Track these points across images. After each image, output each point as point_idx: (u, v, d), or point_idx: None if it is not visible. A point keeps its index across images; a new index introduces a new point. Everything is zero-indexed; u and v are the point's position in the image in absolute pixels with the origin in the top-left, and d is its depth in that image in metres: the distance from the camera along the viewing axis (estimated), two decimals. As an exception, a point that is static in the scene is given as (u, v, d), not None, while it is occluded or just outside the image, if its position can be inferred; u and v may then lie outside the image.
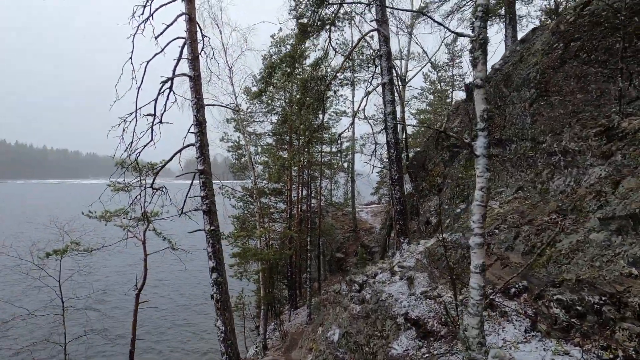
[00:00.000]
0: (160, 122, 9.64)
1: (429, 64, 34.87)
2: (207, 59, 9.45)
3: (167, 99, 9.58)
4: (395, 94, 13.66)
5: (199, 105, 8.56)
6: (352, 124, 13.41)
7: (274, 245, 22.60)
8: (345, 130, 12.18)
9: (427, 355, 6.47)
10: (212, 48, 9.33)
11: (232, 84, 17.47)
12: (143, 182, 9.62)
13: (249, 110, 24.49)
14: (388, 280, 10.86)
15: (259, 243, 19.52)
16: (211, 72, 9.71)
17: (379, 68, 12.51)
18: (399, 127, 18.00)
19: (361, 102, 11.66)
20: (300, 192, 26.09)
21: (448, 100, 35.67)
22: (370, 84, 12.84)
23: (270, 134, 25.02)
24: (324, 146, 27.34)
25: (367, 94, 11.67)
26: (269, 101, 23.26)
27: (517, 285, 6.53)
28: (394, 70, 14.22)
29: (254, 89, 24.42)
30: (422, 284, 9.17)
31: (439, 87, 35.77)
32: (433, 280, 9.15)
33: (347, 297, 11.88)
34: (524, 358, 4.70)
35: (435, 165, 19.70)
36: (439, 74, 35.20)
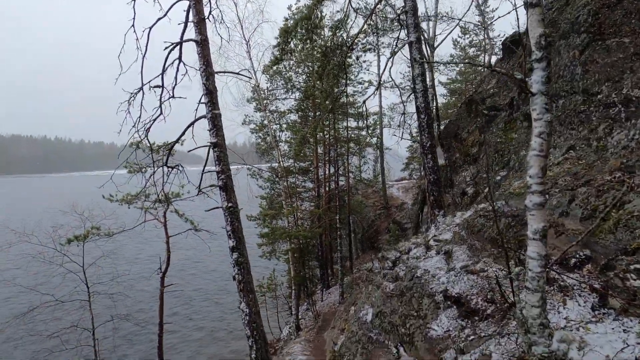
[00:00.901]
0: (172, 96, 9.04)
1: (458, 29, 32.88)
2: (216, 24, 8.72)
3: (177, 70, 8.95)
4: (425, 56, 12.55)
5: (208, 73, 7.89)
6: (379, 88, 12.37)
7: (303, 224, 22.10)
8: (371, 96, 11.25)
9: (472, 337, 5.68)
10: (220, 12, 8.59)
11: (250, 59, 16.77)
12: (157, 161, 9.14)
13: (269, 88, 23.74)
14: (423, 255, 10.06)
15: (287, 222, 19.02)
16: (222, 38, 9.01)
17: (404, 27, 11.40)
18: (429, 95, 16.81)
19: (387, 63, 10.65)
20: (327, 170, 25.35)
21: (480, 69, 33.63)
22: (396, 44, 11.76)
23: (294, 110, 24.22)
24: (350, 121, 26.33)
25: (393, 54, 10.63)
26: (289, 77, 22.40)
27: (577, 255, 5.58)
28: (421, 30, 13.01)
29: (275, 66, 23.60)
30: (461, 258, 8.31)
31: (470, 53, 33.72)
32: (474, 253, 8.26)
33: (380, 275, 11.19)
34: (599, 342, 3.83)
35: (469, 134, 18.43)
36: (470, 38, 33.13)
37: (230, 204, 8.01)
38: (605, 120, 8.04)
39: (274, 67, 15.63)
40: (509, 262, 5.23)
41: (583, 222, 6.32)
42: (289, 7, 19.05)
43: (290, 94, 23.63)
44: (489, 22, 30.58)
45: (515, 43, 13.68)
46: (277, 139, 21.39)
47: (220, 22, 8.67)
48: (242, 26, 16.40)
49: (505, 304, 5.65)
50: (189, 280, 28.55)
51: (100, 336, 11.65)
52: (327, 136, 23.39)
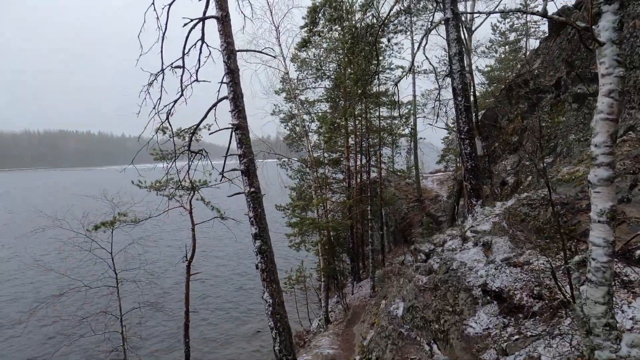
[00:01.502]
0: (197, 80, 8.74)
1: (497, 14, 31.17)
2: (239, 2, 8.32)
3: (200, 52, 8.63)
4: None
5: (229, 51, 7.52)
6: (411, 69, 11.58)
7: (334, 216, 21.63)
8: (403, 77, 10.52)
9: (516, 336, 5.03)
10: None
11: (280, 45, 16.33)
12: (181, 148, 8.88)
13: (299, 77, 23.26)
14: (459, 247, 9.38)
15: (316, 213, 18.59)
16: (244, 15, 8.59)
17: (440, 3, 10.62)
18: (467, 79, 15.77)
19: (420, 41, 9.92)
20: (359, 160, 24.70)
21: (521, 54, 31.88)
22: (431, 23, 10.97)
23: (324, 100, 23.67)
24: (382, 110, 25.51)
25: (427, 32, 9.88)
26: (319, 65, 21.83)
27: (643, 246, 4.82)
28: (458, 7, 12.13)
29: (303, 54, 23.12)
30: (502, 250, 7.59)
31: (510, 38, 31.95)
32: (516, 245, 7.52)
33: (412, 268, 10.60)
34: (681, 348, 3.13)
35: (509, 122, 17.37)
36: (510, 22, 31.37)
37: (252, 189, 7.64)
38: (673, 96, 7.07)
39: (302, 51, 15.12)
40: (565, 250, 4.53)
41: (649, 209, 5.51)
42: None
43: (320, 82, 23.10)
44: (531, 5, 28.77)
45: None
46: (307, 128, 20.94)
47: (244, -1, 8.28)
48: (271, 12, 15.97)
49: (556, 300, 4.96)
50: (215, 268, 28.69)
51: (128, 323, 11.72)
52: (358, 126, 22.72)
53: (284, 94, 22.58)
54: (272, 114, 23.76)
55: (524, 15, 29.82)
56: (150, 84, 7.53)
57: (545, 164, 11.01)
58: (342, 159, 25.09)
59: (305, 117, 22.84)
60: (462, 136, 10.79)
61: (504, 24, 31.94)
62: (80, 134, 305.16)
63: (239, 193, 7.86)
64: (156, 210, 10.90)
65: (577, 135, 9.68)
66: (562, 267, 5.76)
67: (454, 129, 27.50)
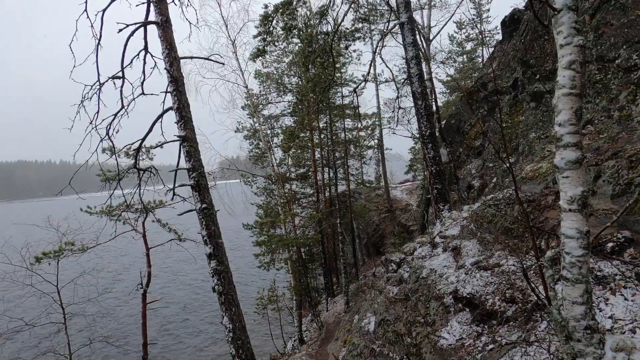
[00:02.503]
0: (143, 93, 8.14)
1: (454, 25, 32.03)
2: (182, 7, 7.82)
3: (145, 62, 8.06)
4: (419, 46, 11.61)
5: (171, 57, 7.01)
6: (373, 75, 11.44)
7: (304, 232, 21.04)
8: (362, 83, 10.27)
9: (491, 346, 4.63)
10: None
11: (237, 59, 15.94)
12: (129, 166, 8.20)
13: (261, 92, 22.86)
14: (429, 254, 9.05)
15: (284, 229, 17.95)
16: (190, 23, 8.10)
17: (394, 10, 10.51)
18: (427, 85, 15.78)
19: (377, 45, 9.71)
20: (327, 174, 24.35)
21: (479, 60, 32.79)
22: (387, 27, 10.83)
23: (288, 114, 23.31)
24: (347, 122, 25.41)
25: (383, 36, 9.71)
26: (280, 80, 21.53)
27: (615, 238, 4.56)
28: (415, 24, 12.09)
29: (265, 70, 22.74)
30: (471, 254, 7.28)
31: (467, 47, 32.84)
32: (486, 247, 7.23)
33: (383, 279, 10.18)
34: (670, 348, 2.79)
35: (471, 127, 17.50)
36: (466, 33, 32.27)
37: (204, 205, 7.06)
38: (627, 87, 7.04)
39: (257, 61, 14.76)
40: (536, 246, 4.19)
41: (615, 200, 5.30)
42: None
43: (283, 96, 22.76)
44: (485, 15, 29.72)
45: (515, 22, 12.78)
46: (270, 143, 20.44)
47: (187, 5, 7.80)
48: (226, 25, 15.62)
49: (529, 302, 4.61)
50: (174, 294, 27.04)
51: (80, 360, 10.66)
52: (324, 139, 22.44)
53: (247, 110, 22.08)
54: (236, 131, 23.15)
55: (479, 25, 30.75)
56: (84, 99, 6.86)
57: (509, 163, 10.93)
58: (309, 172, 24.68)
59: (268, 132, 22.38)
60: (425, 140, 10.59)
61: (460, 34, 32.82)
62: (40, 163, 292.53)
63: (190, 210, 7.24)
64: (109, 236, 10.04)
65: (537, 133, 9.64)
66: (534, 265, 5.46)
67: (417, 137, 27.72)
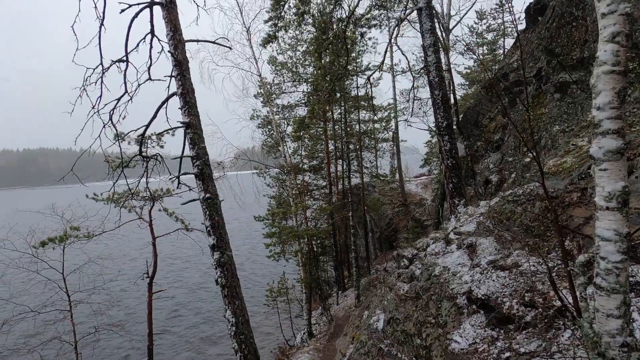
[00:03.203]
0: (150, 78, 7.90)
1: (474, 14, 31.06)
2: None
3: (151, 47, 7.81)
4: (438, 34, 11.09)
5: (175, 40, 6.74)
6: (388, 66, 11.13)
7: (316, 224, 20.74)
8: (376, 71, 9.87)
9: (507, 353, 4.26)
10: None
11: (252, 47, 15.62)
12: (131, 151, 7.99)
13: (275, 81, 22.52)
14: (442, 251, 8.65)
15: (295, 221, 17.69)
16: (197, 5, 7.78)
17: (413, -7, 10.02)
18: (445, 77, 15.25)
19: (393, 31, 9.27)
20: (340, 166, 23.97)
21: (499, 52, 31.79)
22: (404, 12, 10.36)
23: (302, 104, 22.94)
24: (362, 114, 24.92)
25: (400, 21, 9.25)
26: (295, 68, 21.13)
27: (650, 241, 4.12)
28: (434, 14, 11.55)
29: (280, 57, 22.38)
30: (487, 252, 6.87)
31: (488, 38, 31.82)
32: (503, 245, 6.81)
33: (394, 275, 9.84)
34: None
35: (490, 120, 16.90)
36: (487, 23, 31.27)
37: (208, 195, 6.81)
38: (664, 76, 6.50)
39: (270, 47, 14.39)
40: (564, 247, 3.78)
41: (650, 198, 4.84)
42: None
43: (298, 86, 22.38)
44: (507, 5, 28.63)
45: (540, 10, 12.14)
46: (283, 133, 20.12)
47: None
48: (241, 12, 15.29)
49: (551, 308, 4.21)
50: (180, 284, 27.02)
51: (85, 349, 10.59)
52: (337, 130, 22.03)
53: (260, 98, 21.82)
54: (251, 119, 22.89)
55: (500, 15, 29.74)
56: (87, 82, 6.64)
57: (529, 159, 10.42)
58: (323, 164, 24.34)
59: (282, 122, 22.08)
60: (441, 132, 10.14)
61: (480, 25, 31.83)
62: (61, 151, 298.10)
63: (194, 200, 7.00)
64: (114, 224, 9.91)
65: (561, 126, 9.10)
66: (556, 267, 5.05)
67: (433, 130, 27.12)
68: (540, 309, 4.42)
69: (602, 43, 2.31)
